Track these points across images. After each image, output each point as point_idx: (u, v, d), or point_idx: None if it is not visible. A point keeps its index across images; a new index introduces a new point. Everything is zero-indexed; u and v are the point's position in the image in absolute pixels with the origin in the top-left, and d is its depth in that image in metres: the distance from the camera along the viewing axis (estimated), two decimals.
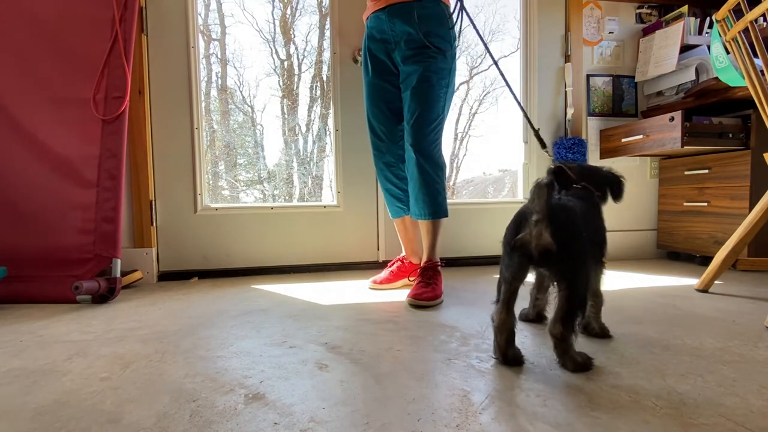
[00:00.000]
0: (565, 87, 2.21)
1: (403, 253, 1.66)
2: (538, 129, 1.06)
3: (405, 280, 1.60)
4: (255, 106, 2.21)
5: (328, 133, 2.18)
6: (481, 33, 1.39)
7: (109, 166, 1.56)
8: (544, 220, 0.79)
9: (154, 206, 1.86)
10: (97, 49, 1.59)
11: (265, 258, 1.99)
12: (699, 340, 1.00)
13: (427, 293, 1.36)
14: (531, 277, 1.06)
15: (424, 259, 1.51)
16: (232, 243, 1.96)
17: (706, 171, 1.97)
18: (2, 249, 1.53)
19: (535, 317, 1.13)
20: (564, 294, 0.82)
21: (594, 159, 2.24)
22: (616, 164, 2.28)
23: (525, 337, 1.03)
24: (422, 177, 1.41)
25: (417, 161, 1.40)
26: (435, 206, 1.43)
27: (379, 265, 2.08)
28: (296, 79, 2.20)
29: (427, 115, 1.40)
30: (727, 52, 1.55)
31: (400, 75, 1.48)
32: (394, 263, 1.64)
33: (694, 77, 1.97)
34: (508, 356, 0.87)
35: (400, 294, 1.51)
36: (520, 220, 0.84)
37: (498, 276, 0.91)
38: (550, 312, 1.06)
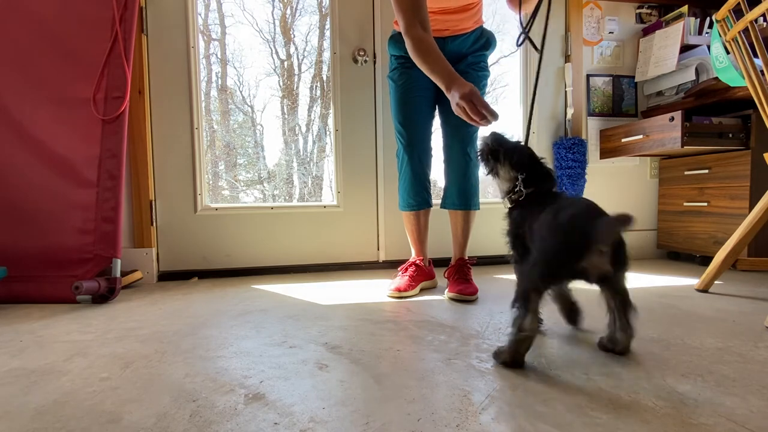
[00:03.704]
0: (565, 87, 2.21)
1: (413, 256, 1.63)
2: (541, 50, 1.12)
3: (421, 284, 1.57)
4: (255, 106, 2.20)
5: (328, 133, 2.18)
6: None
7: (109, 166, 1.56)
8: (609, 251, 0.79)
9: (154, 206, 1.86)
10: (97, 49, 1.59)
11: (265, 258, 1.99)
12: (699, 340, 1.00)
13: (470, 288, 1.44)
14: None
15: (458, 256, 1.56)
16: (232, 243, 1.96)
17: (706, 171, 1.97)
18: (2, 249, 1.53)
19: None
20: (620, 304, 0.88)
21: (594, 159, 2.24)
22: (616, 164, 2.29)
23: None
24: (471, 171, 1.52)
25: (468, 161, 1.51)
26: (477, 198, 1.56)
27: (379, 266, 2.09)
28: (296, 79, 2.20)
29: None
30: (727, 52, 1.55)
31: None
32: (408, 268, 1.58)
33: (694, 77, 1.97)
34: (520, 363, 0.85)
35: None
36: (574, 239, 0.78)
37: (520, 280, 0.87)
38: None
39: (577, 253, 0.78)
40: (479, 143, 1.10)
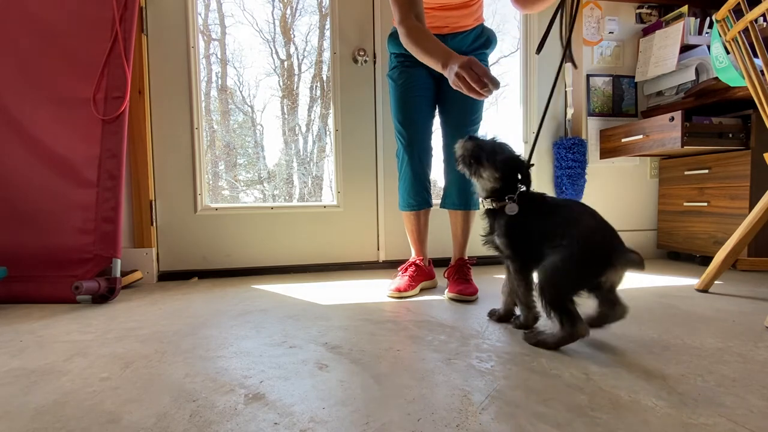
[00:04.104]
0: (565, 87, 2.21)
1: (413, 256, 1.62)
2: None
3: (421, 284, 1.57)
4: (255, 106, 2.20)
5: (328, 133, 2.18)
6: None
7: (109, 166, 1.56)
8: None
9: (154, 206, 1.86)
10: (97, 49, 1.59)
11: (265, 258, 1.99)
12: (699, 340, 1.00)
13: (470, 288, 1.44)
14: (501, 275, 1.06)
15: (458, 256, 1.57)
16: (232, 243, 1.96)
17: (706, 171, 1.97)
18: (2, 249, 1.53)
19: (506, 315, 1.16)
20: (615, 296, 0.98)
21: (594, 159, 2.24)
22: (616, 164, 2.29)
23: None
24: None
25: None
26: (477, 198, 1.53)
27: (379, 266, 2.09)
28: (296, 79, 2.20)
29: (477, 118, 1.50)
30: (727, 52, 1.55)
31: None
32: (408, 268, 1.57)
33: (694, 77, 1.97)
34: None
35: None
36: (606, 257, 0.91)
37: (551, 289, 0.92)
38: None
39: (603, 258, 0.91)
40: (458, 149, 1.11)
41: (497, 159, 1.04)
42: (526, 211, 1.02)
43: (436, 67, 1.16)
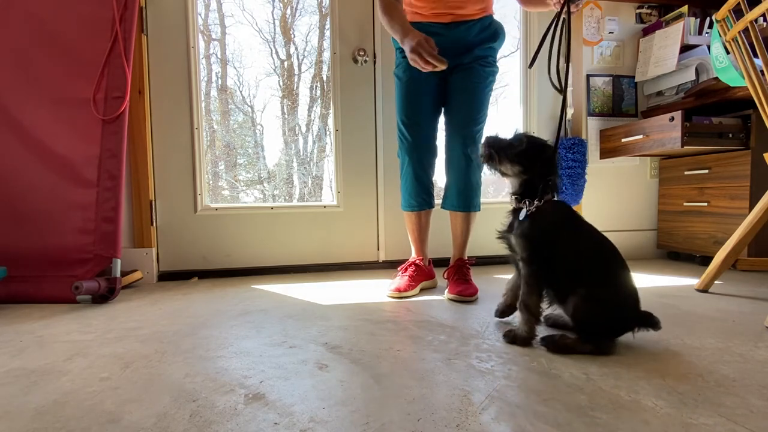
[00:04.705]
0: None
1: (413, 256, 1.62)
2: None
3: (421, 284, 1.56)
4: (255, 106, 2.20)
5: (328, 133, 2.18)
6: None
7: (109, 166, 1.56)
8: None
9: (154, 206, 1.86)
10: (97, 49, 1.59)
11: (265, 258, 1.99)
12: (699, 340, 1.00)
13: (469, 289, 1.44)
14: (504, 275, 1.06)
15: (457, 256, 1.56)
16: (232, 243, 1.96)
17: (706, 171, 1.97)
18: (2, 249, 1.53)
19: (507, 309, 1.17)
20: None
21: (594, 159, 2.24)
22: (616, 164, 2.29)
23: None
24: (472, 173, 1.49)
25: (469, 163, 1.48)
26: (477, 199, 1.55)
27: (379, 266, 2.09)
28: (296, 79, 2.20)
29: (481, 118, 1.49)
30: (727, 52, 1.55)
31: (453, 71, 1.47)
32: (408, 268, 1.57)
33: (694, 77, 1.97)
34: None
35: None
36: (638, 322, 0.96)
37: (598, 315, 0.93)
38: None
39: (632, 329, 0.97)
40: (481, 148, 1.08)
41: (512, 152, 1.00)
42: (557, 224, 0.98)
43: (397, 38, 1.30)
